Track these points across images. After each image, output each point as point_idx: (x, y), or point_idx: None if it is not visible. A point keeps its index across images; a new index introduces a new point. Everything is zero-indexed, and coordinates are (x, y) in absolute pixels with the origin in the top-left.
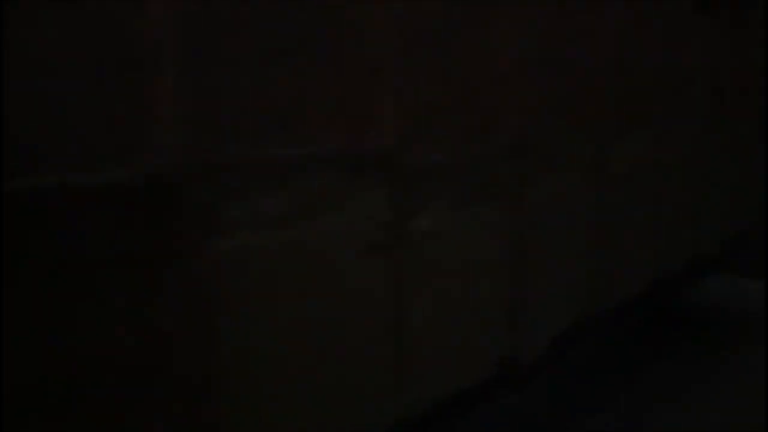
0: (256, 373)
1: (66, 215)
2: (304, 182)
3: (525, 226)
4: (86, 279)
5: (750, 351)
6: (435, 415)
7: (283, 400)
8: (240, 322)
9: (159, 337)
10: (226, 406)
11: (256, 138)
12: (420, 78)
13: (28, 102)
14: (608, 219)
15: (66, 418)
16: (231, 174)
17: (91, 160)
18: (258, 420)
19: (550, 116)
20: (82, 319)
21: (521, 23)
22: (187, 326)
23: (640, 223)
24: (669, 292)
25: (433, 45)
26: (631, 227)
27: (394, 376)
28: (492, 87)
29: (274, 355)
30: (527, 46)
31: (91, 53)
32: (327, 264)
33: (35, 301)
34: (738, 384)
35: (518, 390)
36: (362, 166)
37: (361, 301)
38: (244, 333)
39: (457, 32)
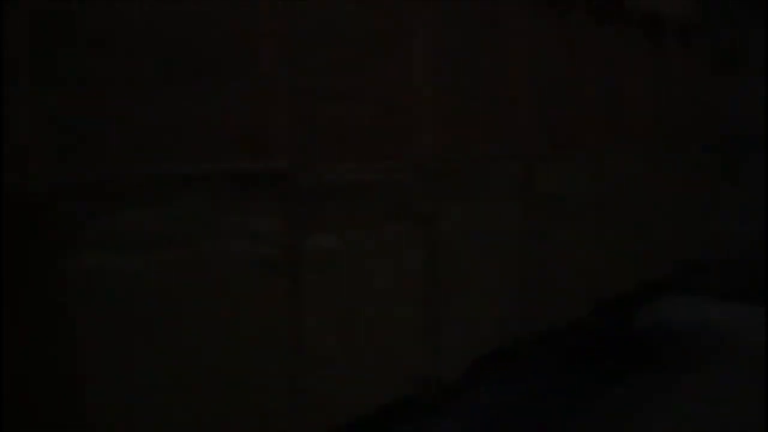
0: (124, 406)
1: None
2: (187, 201)
3: (441, 246)
4: None
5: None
6: None
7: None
8: (104, 343)
9: (12, 359)
10: None
11: (131, 157)
12: (318, 97)
13: None
14: (539, 242)
15: None
16: (98, 193)
17: None
18: None
19: (471, 138)
20: None
21: (438, 43)
22: (40, 346)
23: (576, 247)
24: (614, 315)
25: (338, 63)
26: (566, 251)
27: (290, 400)
28: (406, 108)
29: (146, 384)
30: (448, 70)
31: None
32: (214, 284)
33: None
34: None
35: (437, 410)
36: (255, 186)
37: (255, 320)
38: (109, 356)
39: (364, 49)
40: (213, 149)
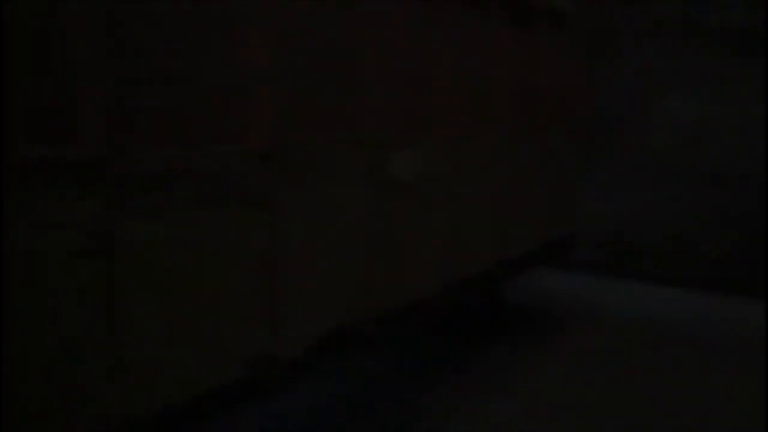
0: None
1: None
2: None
3: (280, 230)
4: None
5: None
6: (171, 417)
7: None
8: None
9: None
10: None
11: None
12: (138, 81)
13: None
14: (388, 225)
15: None
16: None
17: None
18: None
19: (314, 123)
20: None
21: (282, 25)
22: None
23: (430, 229)
24: (473, 292)
25: (162, 45)
26: (419, 233)
27: (110, 384)
28: (242, 92)
29: None
30: (293, 54)
31: None
32: (23, 273)
33: None
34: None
35: (279, 387)
36: (63, 174)
37: (68, 308)
38: None
39: (195, 30)
40: (23, 136)
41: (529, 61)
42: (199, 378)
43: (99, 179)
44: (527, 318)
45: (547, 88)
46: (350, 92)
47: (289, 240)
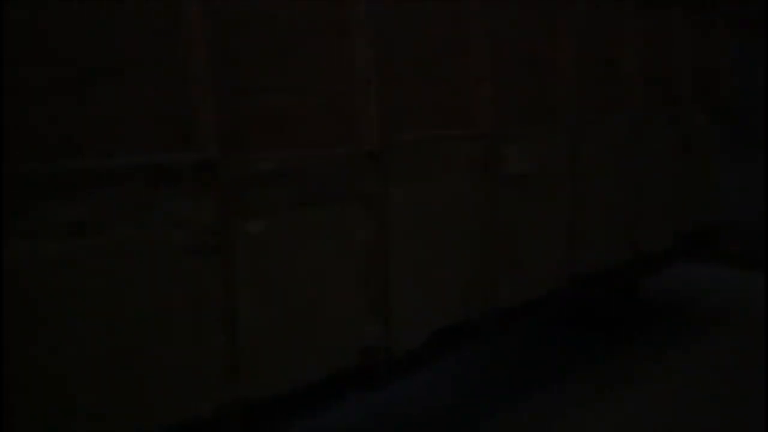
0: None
1: None
2: (108, 192)
3: (391, 224)
4: None
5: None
6: (285, 401)
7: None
8: (36, 326)
9: None
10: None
11: (61, 152)
12: (252, 89)
13: None
14: (506, 219)
15: None
16: (29, 186)
17: None
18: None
19: (423, 120)
20: None
21: (383, 29)
22: None
23: (552, 222)
24: (601, 290)
25: (272, 56)
26: (539, 226)
27: (225, 368)
28: (349, 95)
29: (77, 358)
30: (395, 54)
31: None
32: (141, 268)
33: None
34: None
35: (391, 379)
36: (180, 176)
37: (187, 301)
38: (44, 335)
39: (301, 41)
40: (145, 143)
41: (665, 41)
42: (315, 365)
43: (215, 180)
44: (664, 316)
45: (687, 71)
46: (459, 85)
47: (402, 234)
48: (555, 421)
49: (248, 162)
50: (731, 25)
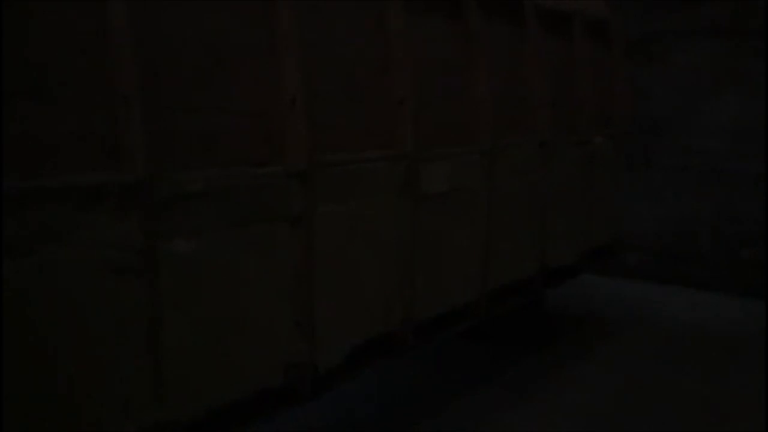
0: None
1: None
2: (35, 213)
3: (315, 242)
4: None
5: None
6: (212, 421)
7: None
8: None
9: None
10: None
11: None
12: (179, 109)
13: None
14: (424, 236)
15: None
16: None
17: None
18: None
19: (348, 140)
20: None
21: (312, 50)
22: None
23: (467, 238)
24: (512, 301)
25: (201, 76)
26: (455, 243)
27: (150, 390)
28: (277, 116)
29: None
30: (325, 75)
31: None
32: (68, 288)
33: None
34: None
35: (316, 395)
36: (104, 197)
37: (111, 321)
38: None
39: (231, 61)
40: (71, 162)
41: (569, 69)
42: (241, 384)
43: (142, 200)
44: (570, 325)
45: (588, 95)
46: (382, 107)
47: (326, 254)
48: (479, 422)
49: (175, 182)
50: (624, 55)
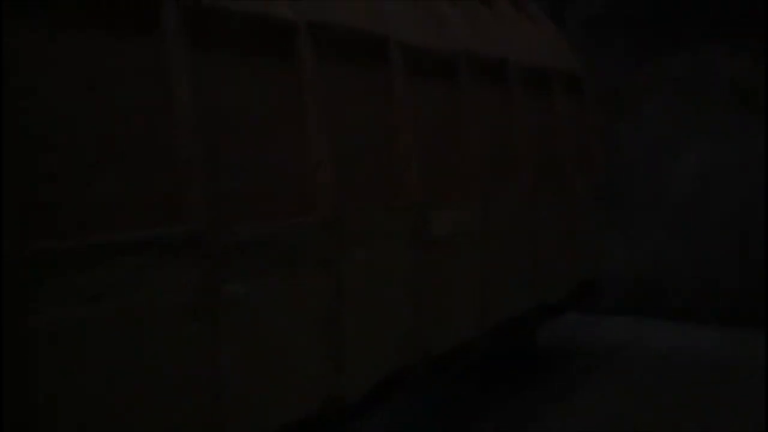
0: None
1: None
2: (113, 264)
3: (343, 286)
4: None
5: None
6: None
7: None
8: (53, 385)
9: None
10: None
11: (78, 227)
12: (230, 168)
13: None
14: (432, 277)
15: None
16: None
17: None
18: None
19: (366, 193)
20: None
21: (331, 114)
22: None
23: (467, 278)
24: (509, 337)
25: (247, 140)
26: (457, 283)
27: (211, 423)
28: (307, 173)
29: (84, 416)
30: (342, 137)
31: None
32: (145, 329)
33: None
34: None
35: (344, 425)
36: (173, 247)
37: (180, 356)
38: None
39: (268, 125)
40: (142, 218)
41: (549, 124)
42: (287, 412)
43: (201, 249)
44: (559, 359)
45: (568, 147)
46: (394, 165)
47: (351, 292)
48: None
49: (232, 232)
50: (595, 105)
